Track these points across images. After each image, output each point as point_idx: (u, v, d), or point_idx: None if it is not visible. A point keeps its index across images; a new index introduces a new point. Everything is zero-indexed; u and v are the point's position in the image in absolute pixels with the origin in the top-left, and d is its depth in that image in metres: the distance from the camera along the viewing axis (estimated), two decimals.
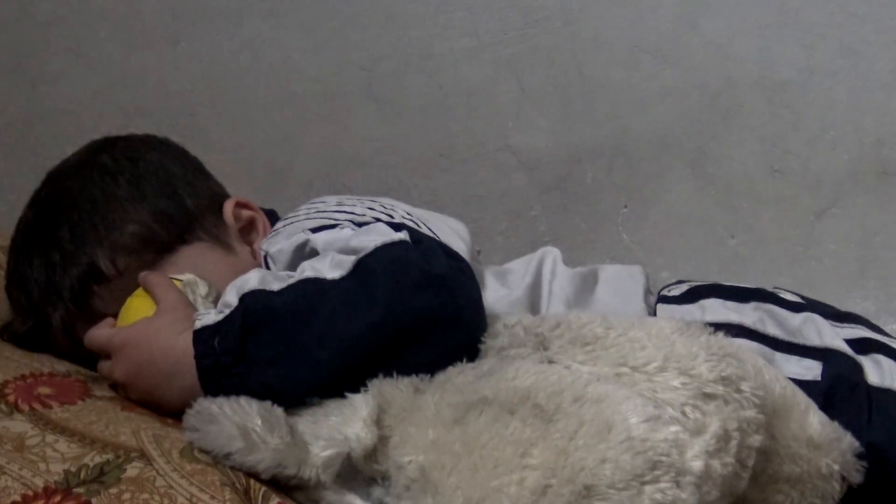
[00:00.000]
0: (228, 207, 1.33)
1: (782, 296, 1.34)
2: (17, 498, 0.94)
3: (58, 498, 0.94)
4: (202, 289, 1.17)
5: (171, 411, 1.09)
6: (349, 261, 1.08)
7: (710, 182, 1.84)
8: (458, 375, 1.06)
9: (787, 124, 1.80)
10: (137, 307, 1.17)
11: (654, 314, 1.31)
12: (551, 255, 1.38)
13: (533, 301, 1.32)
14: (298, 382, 1.05)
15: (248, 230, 1.34)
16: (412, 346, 1.07)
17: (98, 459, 0.99)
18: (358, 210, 1.27)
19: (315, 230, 1.21)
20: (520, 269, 1.36)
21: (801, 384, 1.18)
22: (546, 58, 1.85)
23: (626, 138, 1.85)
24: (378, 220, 1.23)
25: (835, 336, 1.26)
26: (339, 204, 1.31)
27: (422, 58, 1.90)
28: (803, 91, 1.79)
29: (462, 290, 1.10)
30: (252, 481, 1.00)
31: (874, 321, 1.49)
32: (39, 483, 0.96)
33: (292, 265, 1.19)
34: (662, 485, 0.94)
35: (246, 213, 1.34)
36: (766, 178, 1.81)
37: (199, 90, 1.98)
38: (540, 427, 0.97)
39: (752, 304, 1.30)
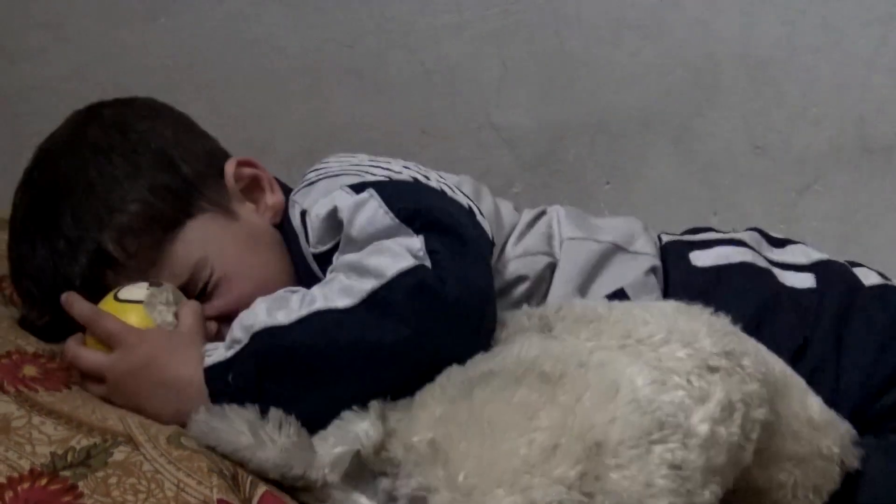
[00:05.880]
0: (230, 169, 1.30)
1: (768, 232, 1.43)
2: (3, 480, 0.93)
3: (44, 481, 0.94)
4: (163, 296, 1.17)
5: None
6: (362, 290, 1.07)
7: (692, 159, 1.84)
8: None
9: (770, 101, 1.80)
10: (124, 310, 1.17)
11: (661, 244, 1.36)
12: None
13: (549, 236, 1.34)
14: (320, 415, 1.05)
15: (251, 188, 1.32)
16: (430, 367, 1.07)
17: (85, 443, 0.98)
18: (394, 167, 1.27)
19: (353, 187, 1.19)
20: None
21: (801, 293, 1.27)
22: (528, 34, 1.85)
23: (609, 115, 1.85)
24: (415, 179, 1.24)
25: (823, 254, 1.35)
26: (373, 160, 1.30)
27: (404, 34, 1.89)
28: (785, 68, 1.79)
29: (477, 310, 1.10)
30: (239, 469, 1.00)
31: None
32: (25, 465, 0.95)
33: (324, 234, 1.20)
34: (671, 445, 0.95)
35: (248, 171, 1.32)
36: (749, 154, 1.82)
37: (179, 66, 1.97)
38: (546, 391, 0.97)
39: (747, 233, 1.40)
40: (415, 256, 1.08)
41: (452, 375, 1.04)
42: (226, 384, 1.07)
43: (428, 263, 1.08)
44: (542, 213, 1.36)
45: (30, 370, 1.11)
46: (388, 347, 1.05)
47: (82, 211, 1.21)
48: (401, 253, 1.09)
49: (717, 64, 1.80)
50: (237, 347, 1.08)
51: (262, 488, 0.99)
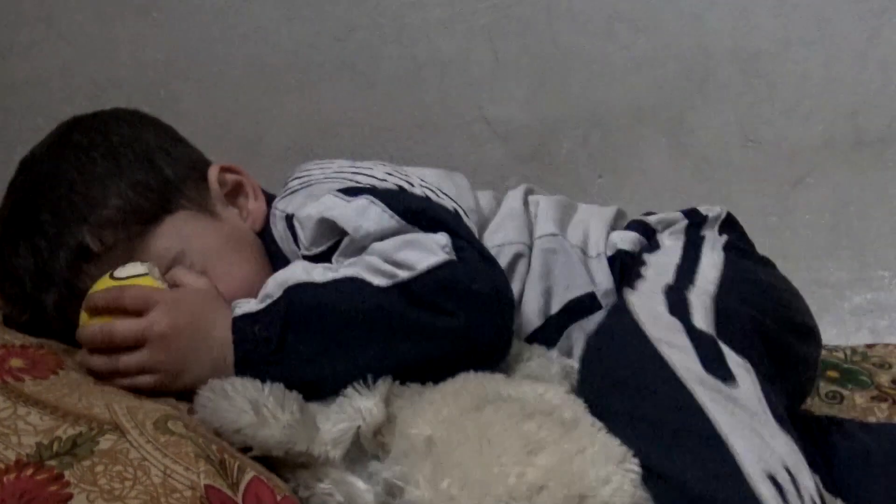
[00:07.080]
0: (213, 173, 1.31)
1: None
2: None
3: (30, 471, 0.93)
4: (155, 271, 1.17)
5: (189, 385, 1.09)
6: (395, 275, 1.09)
7: (684, 152, 1.84)
8: (489, 377, 1.09)
9: (762, 94, 1.80)
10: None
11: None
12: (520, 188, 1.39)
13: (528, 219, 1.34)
14: (334, 379, 1.07)
15: (235, 194, 1.33)
16: (447, 361, 1.09)
17: (71, 432, 0.98)
18: (377, 174, 1.27)
19: (345, 191, 1.20)
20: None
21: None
22: (521, 28, 1.85)
23: (602, 109, 1.85)
24: (400, 187, 1.24)
25: None
26: (353, 165, 1.31)
27: (396, 28, 1.89)
28: (778, 61, 1.79)
29: (505, 303, 1.13)
30: (226, 454, 1.00)
31: (848, 290, 1.51)
32: (11, 456, 0.95)
33: (319, 236, 1.20)
34: None
35: (231, 177, 1.33)
36: (741, 148, 1.82)
37: (171, 61, 1.97)
38: (555, 432, 0.98)
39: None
40: (444, 251, 1.10)
41: (471, 383, 1.06)
42: (251, 334, 1.09)
43: (456, 259, 1.10)
44: (525, 202, 1.36)
45: (16, 362, 1.10)
46: (414, 326, 1.07)
47: (62, 208, 1.21)
48: (430, 247, 1.10)
49: (709, 57, 1.80)
50: (269, 301, 1.11)
51: (249, 473, 0.99)
